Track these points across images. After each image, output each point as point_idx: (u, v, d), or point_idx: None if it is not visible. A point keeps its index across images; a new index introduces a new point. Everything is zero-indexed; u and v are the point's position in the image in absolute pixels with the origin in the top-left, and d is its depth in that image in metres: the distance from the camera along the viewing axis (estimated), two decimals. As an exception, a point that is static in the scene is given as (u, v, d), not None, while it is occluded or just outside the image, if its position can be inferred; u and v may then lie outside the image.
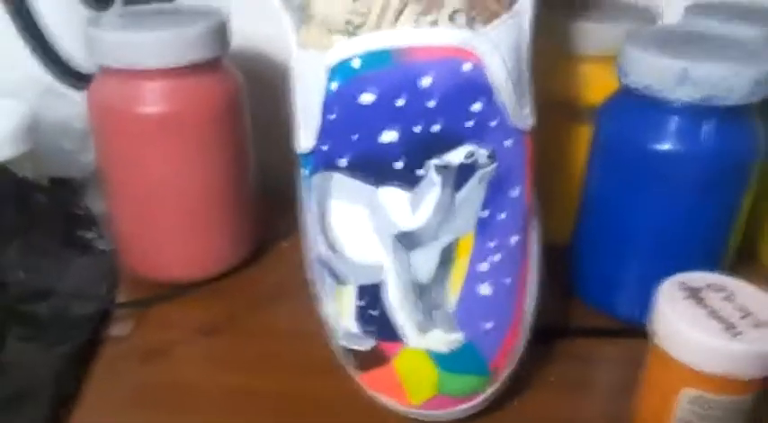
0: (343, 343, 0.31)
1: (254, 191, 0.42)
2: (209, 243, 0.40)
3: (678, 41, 0.34)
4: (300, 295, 0.40)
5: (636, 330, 0.36)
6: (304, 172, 0.32)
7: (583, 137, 0.39)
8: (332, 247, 0.30)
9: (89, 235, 0.41)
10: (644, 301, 0.36)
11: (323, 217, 0.31)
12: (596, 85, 0.39)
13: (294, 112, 0.31)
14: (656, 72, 0.32)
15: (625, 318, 0.37)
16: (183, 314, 0.39)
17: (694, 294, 0.29)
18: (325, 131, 0.29)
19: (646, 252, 0.36)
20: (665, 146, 0.33)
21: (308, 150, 0.30)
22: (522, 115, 0.29)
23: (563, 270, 0.39)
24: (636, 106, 0.34)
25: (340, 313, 0.31)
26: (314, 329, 0.37)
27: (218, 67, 0.38)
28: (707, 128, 0.32)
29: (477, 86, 0.28)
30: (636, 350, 0.36)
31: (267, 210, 0.44)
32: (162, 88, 0.36)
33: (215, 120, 0.38)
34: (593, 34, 0.39)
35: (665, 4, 0.43)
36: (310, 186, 0.31)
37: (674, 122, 0.33)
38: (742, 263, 0.38)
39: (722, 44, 0.34)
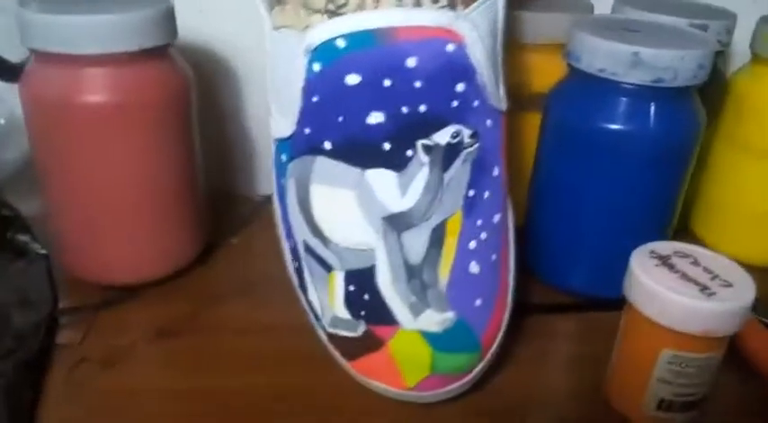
0: (332, 330, 0.31)
1: (203, 187, 0.40)
2: (158, 242, 0.38)
3: (622, 29, 0.36)
4: (260, 290, 0.39)
5: (592, 304, 0.39)
6: (280, 158, 0.31)
7: (530, 124, 0.40)
8: (317, 233, 0.30)
9: (22, 238, 0.38)
10: (598, 275, 0.39)
11: (305, 203, 0.30)
12: (541, 73, 0.41)
13: (268, 96, 0.30)
14: (609, 56, 0.34)
15: (580, 292, 0.39)
16: (138, 317, 0.36)
17: (665, 261, 0.31)
18: (308, 114, 0.29)
19: (597, 228, 0.38)
20: (617, 125, 0.35)
21: (285, 135, 0.30)
22: (499, 96, 0.30)
23: (518, 250, 0.41)
24: (587, 89, 0.36)
25: (328, 300, 0.30)
26: (282, 322, 0.36)
27: (166, 56, 0.36)
28: (655, 108, 0.35)
29: (461, 67, 0.28)
30: (594, 322, 0.38)
31: (212, 206, 0.43)
32: (105, 76, 0.34)
33: (163, 111, 0.36)
34: (536, 24, 0.41)
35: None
36: (288, 173, 0.30)
37: (624, 103, 0.35)
38: (677, 234, 0.40)
39: (661, 31, 0.36)
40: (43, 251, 0.38)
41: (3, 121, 0.42)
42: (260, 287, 0.39)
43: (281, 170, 0.31)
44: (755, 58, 0.41)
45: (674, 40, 0.35)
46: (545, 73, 0.40)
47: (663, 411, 0.31)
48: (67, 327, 0.35)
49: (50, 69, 0.34)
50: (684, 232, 0.46)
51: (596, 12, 0.44)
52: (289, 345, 0.34)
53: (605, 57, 0.34)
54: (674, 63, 0.33)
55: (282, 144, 0.30)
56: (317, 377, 0.33)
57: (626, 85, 0.34)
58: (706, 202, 0.45)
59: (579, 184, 0.37)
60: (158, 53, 0.35)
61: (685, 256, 0.31)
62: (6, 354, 0.32)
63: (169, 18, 0.35)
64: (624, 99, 0.35)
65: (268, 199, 0.48)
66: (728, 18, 0.40)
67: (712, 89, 0.38)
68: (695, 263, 0.31)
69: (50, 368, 0.33)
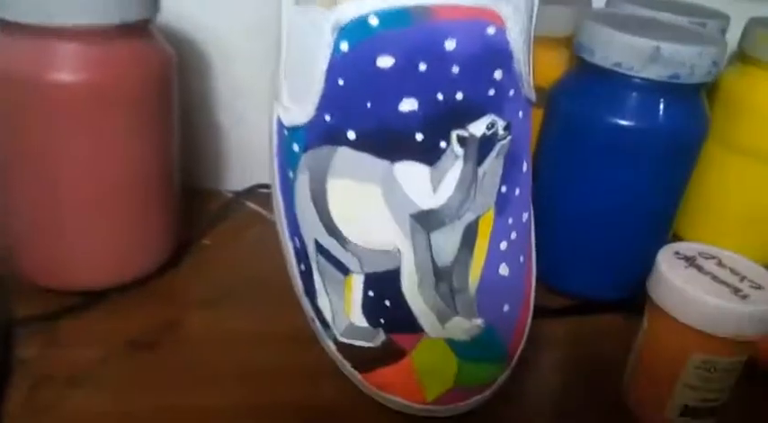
0: (344, 339, 0.28)
1: (178, 182, 0.36)
2: (128, 242, 0.34)
3: (634, 24, 0.35)
4: (241, 296, 0.36)
5: (595, 306, 0.38)
6: (291, 148, 0.27)
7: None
8: (333, 232, 0.27)
9: (-36, 238, 0.33)
10: (601, 277, 0.38)
11: (320, 199, 0.27)
12: (540, 67, 0.39)
13: (278, 81, 0.27)
14: (627, 50, 0.33)
15: (582, 294, 0.38)
16: (106, 327, 0.32)
17: (692, 262, 0.30)
18: (331, 99, 0.26)
19: (602, 227, 0.36)
20: (629, 121, 0.34)
21: (300, 123, 0.27)
22: (530, 86, 0.28)
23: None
24: (597, 84, 0.35)
25: (343, 306, 0.27)
26: (270, 331, 0.33)
27: (148, 33, 0.32)
28: (668, 104, 0.34)
29: (500, 52, 0.26)
30: (599, 325, 0.37)
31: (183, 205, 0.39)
32: (80, 52, 0.29)
33: (143, 94, 0.32)
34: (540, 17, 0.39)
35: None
36: (300, 164, 0.27)
37: (637, 99, 0.34)
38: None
39: (669, 28, 0.35)
40: (-8, 252, 0.33)
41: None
42: (240, 293, 0.36)
43: (290, 161, 0.28)
44: (744, 57, 0.41)
45: (685, 36, 0.34)
46: (544, 67, 0.38)
47: (686, 418, 0.30)
48: (25, 338, 0.30)
49: (17, 42, 0.29)
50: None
51: (593, 6, 0.43)
52: (279, 357, 0.31)
53: (623, 50, 0.33)
54: (693, 59, 0.32)
55: (295, 133, 0.27)
56: (313, 392, 0.30)
57: (639, 81, 0.33)
58: (692, 202, 0.44)
59: (584, 182, 0.36)
60: (139, 29, 0.31)
61: (711, 257, 0.30)
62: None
63: (152, -12, 0.31)
64: (637, 95, 0.34)
65: (239, 195, 0.44)
66: (722, 18, 0.40)
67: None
68: (720, 264, 0.30)
69: (9, 388, 0.28)
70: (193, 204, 0.43)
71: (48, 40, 0.29)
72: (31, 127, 0.30)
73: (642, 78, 0.33)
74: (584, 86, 0.35)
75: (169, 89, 0.33)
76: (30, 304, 0.32)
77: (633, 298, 0.37)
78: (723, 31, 0.40)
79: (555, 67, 0.38)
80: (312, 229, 0.27)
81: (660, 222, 0.37)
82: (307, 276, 0.29)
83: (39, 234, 0.32)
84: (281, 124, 0.28)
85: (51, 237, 0.32)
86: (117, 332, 0.32)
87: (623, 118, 0.34)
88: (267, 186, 0.45)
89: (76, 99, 0.30)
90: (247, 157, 0.46)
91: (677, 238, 0.45)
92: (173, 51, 0.33)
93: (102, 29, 0.29)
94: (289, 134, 0.27)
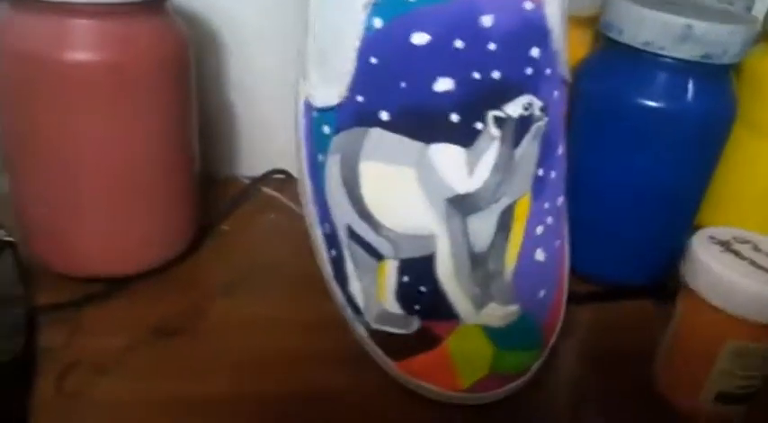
0: (377, 326, 0.27)
1: (198, 166, 0.35)
2: (150, 228, 0.33)
3: (662, 2, 0.34)
4: (261, 281, 0.35)
5: (622, 292, 0.37)
6: (321, 131, 0.27)
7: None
8: (366, 217, 0.26)
9: (-20, 224, 0.32)
10: (627, 262, 0.37)
11: (352, 182, 0.26)
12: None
13: (306, 62, 0.26)
14: (658, 29, 0.32)
15: (608, 279, 0.37)
16: (130, 314, 0.32)
17: (728, 247, 0.29)
18: (363, 79, 0.25)
19: (627, 211, 0.36)
20: (659, 103, 0.33)
21: (330, 105, 0.26)
22: (565, 65, 0.27)
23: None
24: (625, 64, 0.34)
25: (376, 293, 0.27)
26: (291, 317, 0.32)
27: (165, 12, 0.31)
28: (698, 85, 0.33)
29: (537, 29, 0.25)
30: (626, 311, 0.36)
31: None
32: (97, 30, 0.28)
33: (161, 73, 0.31)
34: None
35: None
36: (331, 147, 0.26)
37: (667, 79, 0.33)
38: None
39: (697, 7, 0.35)
40: (9, 238, 0.32)
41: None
42: (260, 278, 0.35)
43: (320, 144, 0.27)
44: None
45: (716, 15, 0.33)
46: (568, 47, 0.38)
47: (721, 404, 0.29)
48: (49, 327, 0.30)
49: (33, 19, 0.28)
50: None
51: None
52: (303, 342, 0.31)
53: (653, 29, 0.32)
54: (724, 38, 0.32)
55: (326, 114, 0.26)
56: (337, 378, 0.29)
57: (670, 61, 0.33)
58: (713, 184, 0.44)
59: (611, 164, 0.35)
60: (156, 6, 0.30)
61: (745, 241, 0.30)
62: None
63: (171, -34, 0.30)
64: (666, 75, 0.33)
65: (256, 181, 0.44)
66: (748, -3, 0.39)
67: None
68: (756, 249, 0.29)
69: (38, 376, 0.27)
70: (209, 189, 0.42)
71: (65, 17, 0.28)
72: (48, 107, 0.29)
73: (672, 58, 0.32)
74: (611, 66, 0.35)
75: (187, 69, 0.32)
76: (51, 292, 0.31)
77: (660, 283, 0.37)
78: (749, 10, 0.39)
79: (579, 47, 0.37)
80: (344, 214, 0.27)
81: (687, 207, 0.36)
82: (337, 262, 0.28)
83: (59, 221, 0.31)
84: (309, 106, 0.27)
85: (72, 223, 0.31)
86: (141, 319, 0.31)
87: (652, 99, 0.33)
88: (283, 172, 0.44)
89: (94, 78, 0.29)
90: (262, 142, 0.45)
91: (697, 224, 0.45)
92: (188, 31, 0.32)
93: (120, 6, 0.29)
94: (318, 116, 0.27)
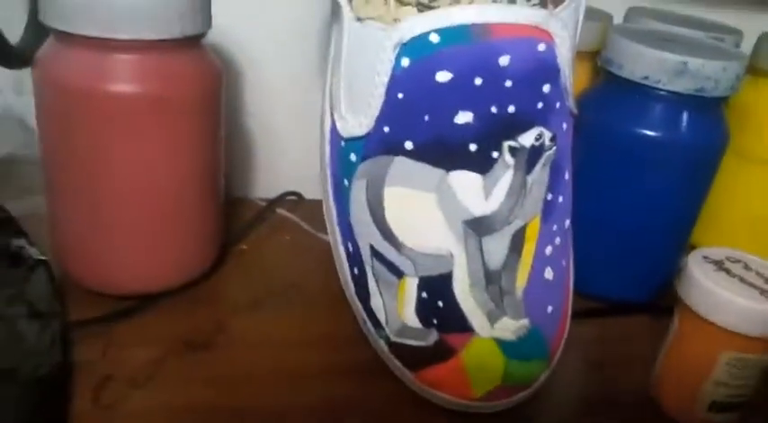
0: (397, 339, 0.29)
1: (223, 190, 0.37)
2: (179, 248, 0.35)
3: (658, 39, 0.37)
4: (281, 298, 0.37)
5: (618, 308, 0.39)
6: (348, 158, 0.29)
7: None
8: (389, 237, 0.28)
9: (17, 242, 0.34)
10: (623, 280, 0.39)
11: (376, 205, 0.28)
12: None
13: (336, 95, 0.28)
14: (655, 65, 0.34)
15: (603, 297, 0.39)
16: (161, 329, 0.33)
17: (720, 266, 0.31)
18: (389, 112, 0.27)
19: (625, 234, 0.38)
20: (655, 132, 0.36)
21: (358, 135, 0.28)
22: (572, 99, 0.30)
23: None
24: (625, 96, 0.36)
25: (397, 308, 0.29)
26: (316, 331, 0.34)
27: (201, 47, 0.33)
28: (692, 116, 0.36)
29: (549, 67, 0.27)
30: (621, 327, 0.38)
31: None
32: (138, 64, 0.30)
33: (196, 105, 0.33)
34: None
35: (608, 8, 0.46)
36: (358, 173, 0.29)
37: (663, 111, 0.36)
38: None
39: (691, 43, 0.37)
40: (42, 257, 0.34)
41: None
42: (280, 295, 0.37)
43: (346, 170, 0.29)
44: (755, 70, 0.43)
45: (709, 51, 0.36)
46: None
47: (714, 413, 0.31)
48: (82, 341, 0.32)
49: (76, 53, 0.30)
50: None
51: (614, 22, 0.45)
52: (325, 357, 0.33)
53: (651, 65, 0.35)
54: (717, 73, 0.34)
55: (353, 143, 0.28)
56: (360, 390, 0.31)
57: (666, 94, 0.35)
58: (706, 207, 0.46)
59: (611, 190, 0.38)
60: (194, 42, 0.32)
61: (737, 261, 0.32)
62: (25, 373, 0.28)
63: (207, 3, 0.32)
64: (663, 107, 0.36)
65: (271, 203, 0.46)
66: (737, 34, 0.42)
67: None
68: (747, 267, 0.32)
69: (74, 389, 0.29)
70: (226, 210, 0.44)
71: (108, 52, 0.30)
72: (88, 136, 0.31)
73: (669, 91, 0.35)
74: (612, 99, 0.37)
75: (218, 100, 0.34)
76: (83, 308, 0.33)
77: (656, 300, 0.39)
78: (737, 46, 0.42)
79: (581, 78, 0.40)
80: (367, 235, 0.29)
81: (682, 229, 0.39)
82: (360, 279, 0.30)
83: (93, 241, 0.33)
84: (336, 134, 0.29)
85: (104, 244, 0.33)
86: (170, 334, 0.33)
87: (649, 129, 0.36)
88: (296, 194, 0.47)
89: (134, 109, 0.31)
90: (275, 165, 0.47)
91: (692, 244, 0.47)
92: (221, 64, 0.35)
93: (161, 43, 0.31)
94: (346, 144, 0.29)
